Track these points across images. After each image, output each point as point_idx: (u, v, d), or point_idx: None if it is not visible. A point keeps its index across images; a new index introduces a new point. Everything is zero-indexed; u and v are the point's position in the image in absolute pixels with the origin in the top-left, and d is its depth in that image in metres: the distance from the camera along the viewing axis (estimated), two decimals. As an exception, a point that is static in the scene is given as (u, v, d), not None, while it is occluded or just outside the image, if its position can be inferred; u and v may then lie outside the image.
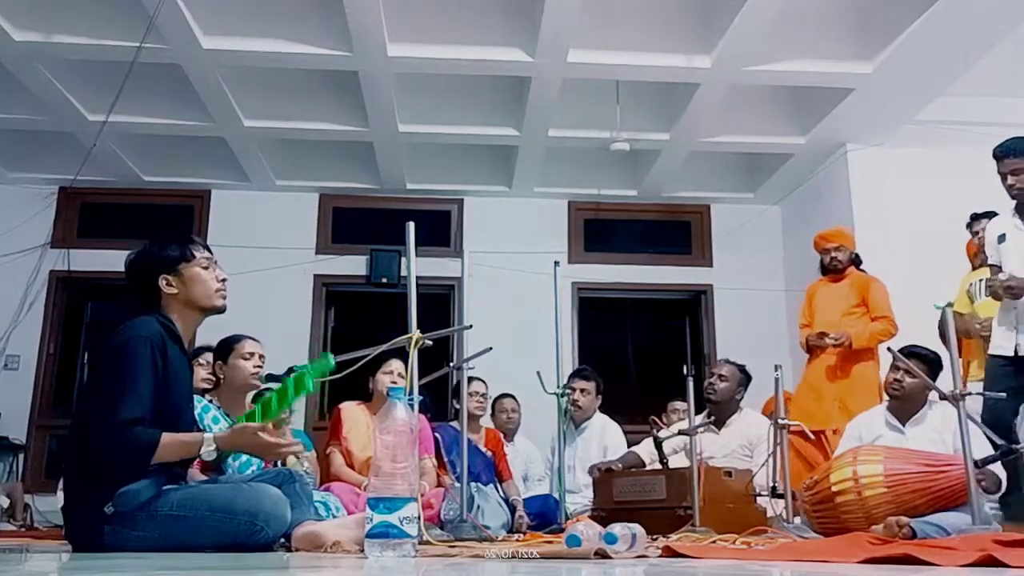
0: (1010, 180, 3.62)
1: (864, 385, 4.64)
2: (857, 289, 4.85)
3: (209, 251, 2.60)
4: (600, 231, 7.69)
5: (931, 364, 3.50)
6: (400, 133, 6.35)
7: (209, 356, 3.62)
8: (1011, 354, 3.61)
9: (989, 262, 3.88)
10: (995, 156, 3.66)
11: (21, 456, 6.66)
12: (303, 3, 5.22)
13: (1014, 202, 3.73)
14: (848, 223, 6.35)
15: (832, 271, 4.95)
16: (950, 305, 3.19)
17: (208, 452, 2.29)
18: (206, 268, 2.54)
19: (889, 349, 3.44)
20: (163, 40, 5.10)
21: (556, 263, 4.33)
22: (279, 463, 3.49)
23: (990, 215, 4.17)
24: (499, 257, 6.88)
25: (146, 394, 2.30)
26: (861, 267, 5.00)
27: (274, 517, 2.35)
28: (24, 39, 5.16)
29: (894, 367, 3.50)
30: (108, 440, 2.26)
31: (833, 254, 4.92)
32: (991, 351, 3.73)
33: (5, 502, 5.63)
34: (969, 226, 4.66)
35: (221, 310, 2.56)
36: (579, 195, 7.57)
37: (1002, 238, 3.77)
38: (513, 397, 5.27)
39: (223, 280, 2.56)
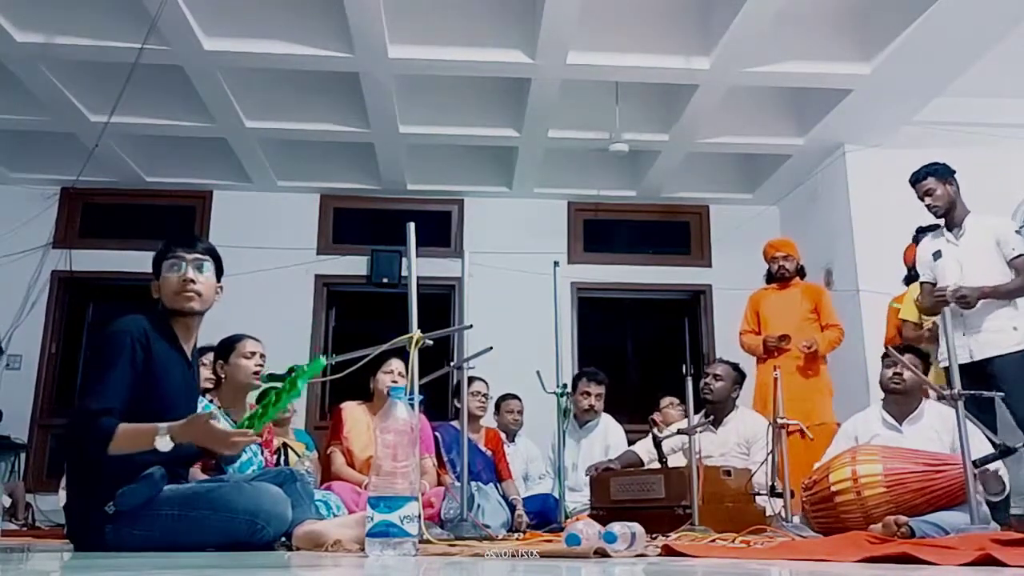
0: (926, 200, 4.07)
1: (817, 388, 4.87)
2: (809, 297, 5.06)
3: (201, 250, 2.55)
4: (599, 231, 7.71)
5: (923, 360, 3.54)
6: (401, 134, 6.36)
7: (210, 356, 3.62)
8: (966, 360, 3.76)
9: (922, 280, 4.16)
10: (910, 183, 4.14)
11: (23, 455, 6.67)
12: (304, 5, 5.23)
13: (942, 220, 4.09)
14: (846, 224, 6.38)
15: (779, 279, 5.12)
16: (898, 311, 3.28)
17: (163, 443, 2.23)
18: (172, 268, 2.50)
19: (886, 347, 3.47)
20: (165, 41, 5.12)
21: (556, 263, 4.35)
22: (282, 461, 3.51)
23: (933, 228, 4.35)
24: (499, 257, 6.90)
25: (117, 386, 2.30)
26: (804, 278, 5.21)
27: (275, 516, 2.36)
28: (26, 40, 5.17)
29: (889, 363, 3.53)
30: (71, 428, 2.34)
31: (781, 263, 5.11)
32: (943, 363, 3.86)
33: (7, 501, 5.63)
34: (915, 239, 4.81)
35: (185, 312, 2.50)
36: (578, 195, 7.58)
37: (937, 255, 4.07)
38: (518, 398, 5.29)
39: (186, 281, 2.48)
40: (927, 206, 4.09)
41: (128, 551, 2.20)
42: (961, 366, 3.65)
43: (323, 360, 2.45)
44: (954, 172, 4.10)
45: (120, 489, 2.26)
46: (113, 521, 2.26)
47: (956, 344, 3.70)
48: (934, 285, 4.01)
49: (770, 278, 5.18)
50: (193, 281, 2.49)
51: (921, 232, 4.75)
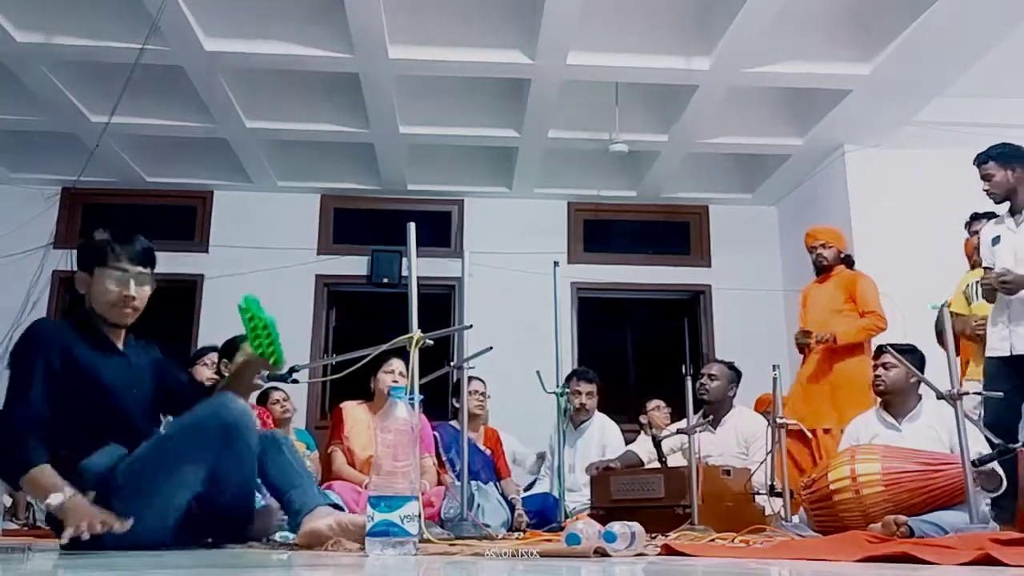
0: (984, 185, 3.84)
1: (855, 381, 4.57)
2: (844, 287, 4.83)
3: (145, 262, 2.44)
4: (599, 231, 7.71)
5: (911, 356, 3.50)
6: (401, 134, 6.37)
7: (214, 356, 3.64)
8: (1007, 354, 3.65)
9: (984, 265, 3.94)
10: (974, 164, 3.88)
11: (23, 456, 6.66)
12: (305, 5, 5.24)
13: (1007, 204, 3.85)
14: (846, 224, 6.37)
15: (819, 269, 4.95)
16: (947, 304, 3.23)
17: (55, 499, 2.13)
18: (112, 279, 2.38)
19: (879, 345, 3.48)
20: (165, 42, 5.12)
21: (556, 263, 4.35)
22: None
23: (990, 215, 4.22)
24: (499, 257, 6.90)
25: (38, 403, 2.24)
26: (852, 267, 4.98)
27: (243, 413, 2.36)
28: (26, 40, 5.18)
29: (873, 364, 3.54)
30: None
31: (819, 251, 4.92)
32: (988, 353, 3.77)
33: (7, 501, 5.64)
34: (968, 225, 4.69)
35: (119, 325, 2.44)
36: (578, 196, 7.59)
37: (996, 240, 3.85)
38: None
39: (128, 297, 2.39)
40: (984, 191, 3.86)
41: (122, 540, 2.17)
42: (1003, 359, 3.65)
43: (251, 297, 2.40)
44: (1022, 156, 3.83)
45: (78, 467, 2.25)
46: (97, 501, 2.21)
47: (998, 336, 3.67)
48: (993, 270, 3.78)
49: (816, 270, 4.98)
50: (134, 297, 2.41)
51: (976, 219, 4.57)
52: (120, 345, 2.49)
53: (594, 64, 5.42)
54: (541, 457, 5.32)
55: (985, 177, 3.82)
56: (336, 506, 2.45)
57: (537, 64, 5.36)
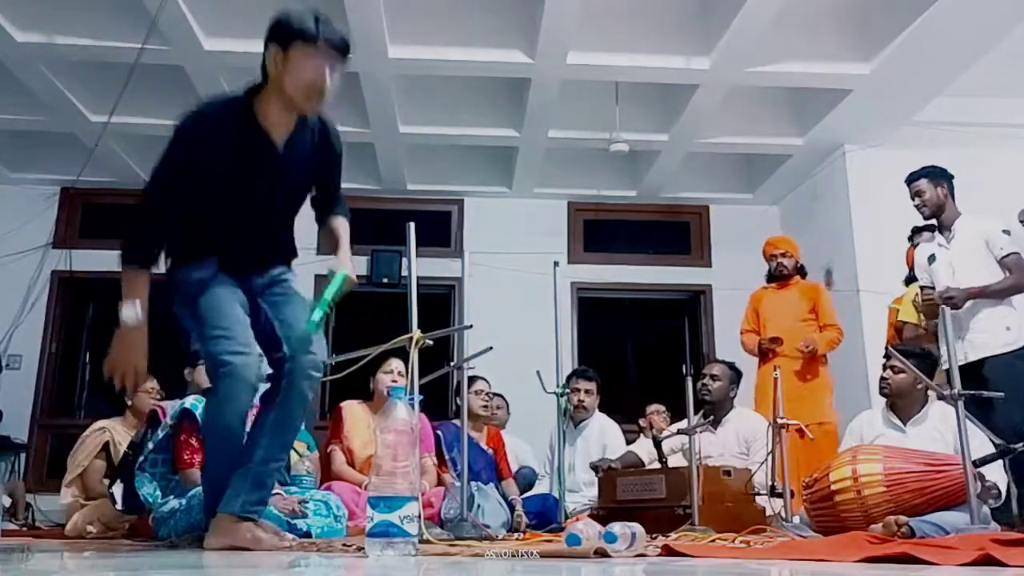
0: (915, 201, 4.16)
1: (817, 389, 4.80)
2: (807, 297, 4.99)
3: (344, 52, 2.33)
4: (599, 231, 7.71)
5: (923, 360, 3.51)
6: (401, 134, 6.37)
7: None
8: (962, 362, 3.74)
9: (920, 283, 4.20)
10: (905, 183, 4.22)
11: (23, 455, 6.67)
12: (304, 5, 5.22)
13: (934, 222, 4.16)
14: (846, 224, 6.38)
15: (778, 278, 5.06)
16: (896, 308, 3.27)
17: (121, 319, 2.26)
18: (313, 62, 2.26)
19: (887, 347, 3.48)
20: (165, 41, 5.12)
21: (556, 263, 4.35)
22: None
23: (930, 228, 4.43)
24: (499, 257, 6.90)
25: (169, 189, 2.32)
26: (805, 277, 5.13)
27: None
28: (26, 40, 5.18)
29: (883, 366, 3.53)
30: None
31: (780, 260, 5.05)
32: (945, 366, 3.82)
33: (7, 501, 5.64)
34: (911, 239, 4.87)
35: (305, 109, 2.35)
36: (579, 195, 7.59)
37: (932, 259, 4.11)
38: (502, 396, 5.29)
39: (324, 82, 2.28)
40: (916, 207, 4.16)
41: None
42: (959, 368, 3.67)
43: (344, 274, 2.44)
44: (950, 176, 4.13)
45: None
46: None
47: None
48: (931, 288, 4.06)
49: (770, 277, 5.14)
50: (328, 90, 2.31)
51: (917, 232, 4.79)
52: (282, 139, 2.40)
53: (594, 64, 5.42)
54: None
55: (917, 194, 4.13)
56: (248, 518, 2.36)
57: (537, 64, 5.35)
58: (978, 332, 3.88)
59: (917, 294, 4.48)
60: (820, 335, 4.85)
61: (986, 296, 3.88)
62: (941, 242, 4.12)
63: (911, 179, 4.16)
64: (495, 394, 5.24)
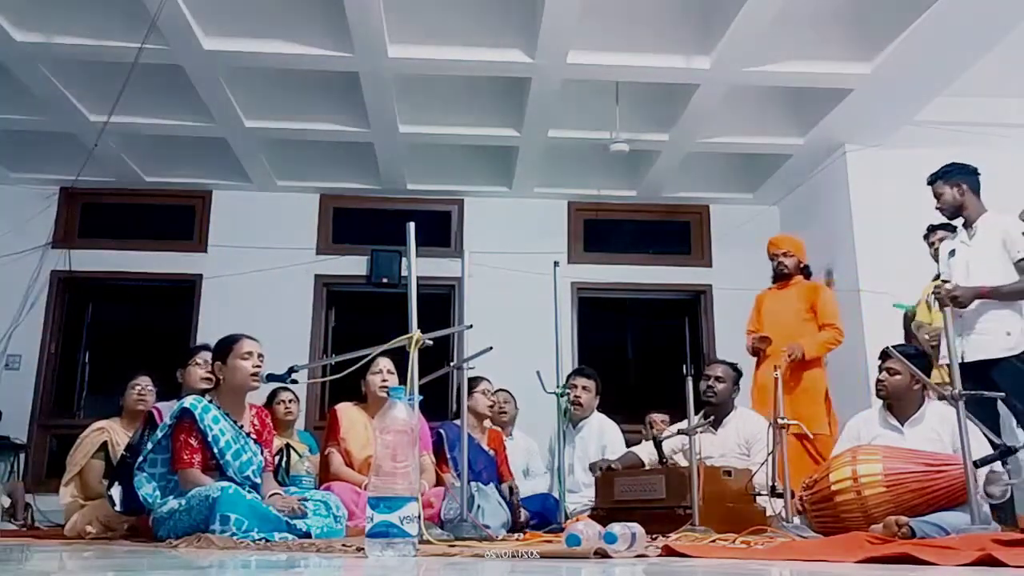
0: (936, 204, 4.11)
1: (811, 390, 4.69)
2: (806, 297, 4.90)
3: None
4: (600, 231, 7.71)
5: (918, 361, 3.50)
6: (401, 134, 6.36)
7: (207, 355, 3.60)
8: (959, 361, 3.69)
9: (942, 277, 4.16)
10: (928, 185, 4.14)
11: (22, 456, 6.67)
12: (304, 5, 5.23)
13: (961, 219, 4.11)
14: (847, 224, 6.37)
15: (779, 277, 5.00)
16: (913, 310, 3.26)
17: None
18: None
19: (885, 348, 3.47)
20: (164, 41, 5.11)
21: (556, 263, 4.34)
22: (283, 462, 3.72)
23: (945, 227, 4.40)
24: (499, 257, 6.89)
25: None
26: (810, 277, 5.06)
27: None
28: (25, 40, 5.17)
29: (879, 368, 3.53)
30: None
31: (781, 259, 4.97)
32: (940, 361, 3.92)
33: (6, 501, 5.64)
34: (926, 237, 4.81)
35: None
36: (579, 195, 7.58)
37: (952, 253, 4.09)
38: (508, 392, 5.30)
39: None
40: (937, 208, 4.11)
41: None
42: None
43: None
44: (971, 171, 4.05)
45: None
46: None
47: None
48: (948, 283, 3.98)
49: (774, 277, 5.06)
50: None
51: (932, 230, 4.73)
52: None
53: (594, 63, 5.41)
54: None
55: (936, 196, 4.07)
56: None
57: (537, 63, 5.35)
58: (979, 333, 3.85)
59: (930, 294, 4.46)
60: (813, 336, 4.74)
61: (995, 297, 3.82)
62: (963, 239, 4.07)
63: (929, 181, 4.11)
64: (501, 389, 5.24)
